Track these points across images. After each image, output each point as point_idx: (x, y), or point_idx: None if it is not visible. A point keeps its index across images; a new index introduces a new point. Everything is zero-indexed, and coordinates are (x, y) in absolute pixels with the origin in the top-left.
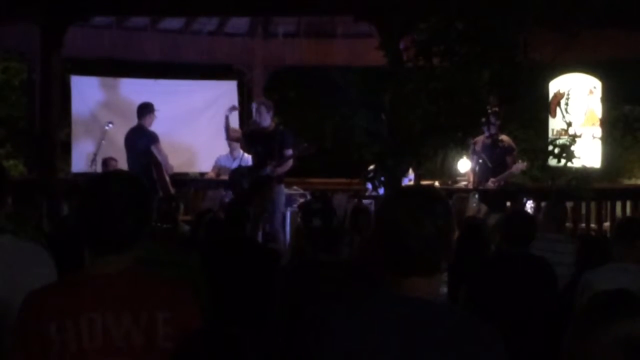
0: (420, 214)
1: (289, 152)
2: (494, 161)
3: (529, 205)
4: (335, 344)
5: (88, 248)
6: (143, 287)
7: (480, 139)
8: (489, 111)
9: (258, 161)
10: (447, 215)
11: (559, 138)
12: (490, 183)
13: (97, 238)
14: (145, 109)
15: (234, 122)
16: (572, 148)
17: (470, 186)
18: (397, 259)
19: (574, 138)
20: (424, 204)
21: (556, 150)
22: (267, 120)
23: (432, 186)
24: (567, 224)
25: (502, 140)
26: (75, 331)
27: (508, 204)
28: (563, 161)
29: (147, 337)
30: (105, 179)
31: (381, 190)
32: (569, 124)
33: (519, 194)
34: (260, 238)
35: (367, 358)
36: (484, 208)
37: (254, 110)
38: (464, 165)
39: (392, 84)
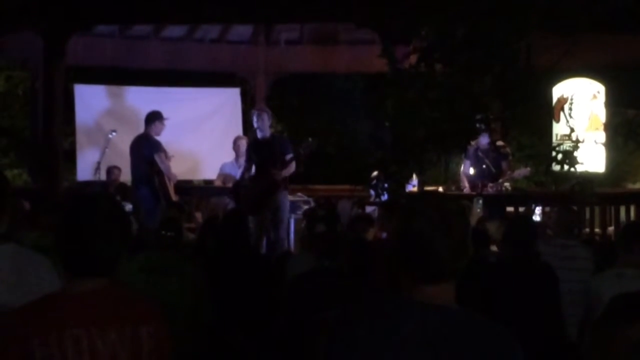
0: (448, 223)
1: (290, 156)
2: (495, 166)
3: (537, 211)
4: (358, 351)
5: (65, 269)
6: (123, 304)
7: (476, 143)
8: (491, 117)
9: (259, 169)
10: (468, 222)
11: (562, 143)
12: (489, 188)
13: (76, 262)
14: (152, 117)
15: (238, 130)
16: (576, 153)
17: (467, 191)
18: (425, 267)
19: (577, 144)
20: (449, 212)
21: (559, 157)
22: (267, 128)
23: (441, 193)
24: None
25: (503, 147)
26: (59, 347)
27: (510, 209)
28: (570, 168)
29: (132, 353)
30: (84, 202)
31: (384, 197)
32: (572, 130)
33: (524, 199)
34: (264, 246)
35: None
36: (479, 213)
37: (255, 117)
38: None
39: (395, 91)
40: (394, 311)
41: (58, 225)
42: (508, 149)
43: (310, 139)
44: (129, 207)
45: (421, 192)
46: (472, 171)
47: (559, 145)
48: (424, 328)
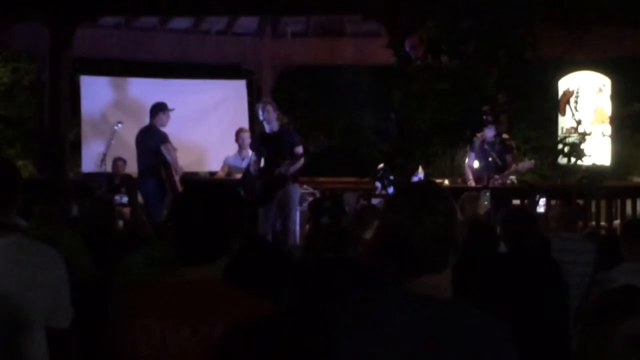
0: (421, 214)
1: (300, 149)
2: (501, 159)
3: (542, 202)
4: (346, 343)
5: (177, 256)
6: (212, 300)
7: (481, 136)
8: (498, 109)
9: (268, 162)
10: (450, 212)
11: (569, 136)
12: (495, 181)
13: (185, 249)
14: (157, 109)
15: (243, 122)
16: (582, 146)
17: (472, 184)
18: (402, 260)
19: (583, 136)
20: (425, 203)
21: (566, 149)
22: (274, 120)
23: (433, 183)
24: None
25: (508, 139)
26: (131, 336)
27: (517, 202)
28: (577, 161)
29: (203, 351)
30: (198, 190)
31: (390, 189)
32: (579, 122)
33: (530, 191)
34: (270, 237)
35: (380, 357)
36: (486, 206)
37: (260, 110)
38: (470, 162)
39: (401, 83)
40: (385, 303)
41: (173, 213)
42: (512, 142)
43: (321, 138)
44: (124, 199)
45: (407, 186)
46: (477, 164)
47: (565, 138)
48: (410, 318)
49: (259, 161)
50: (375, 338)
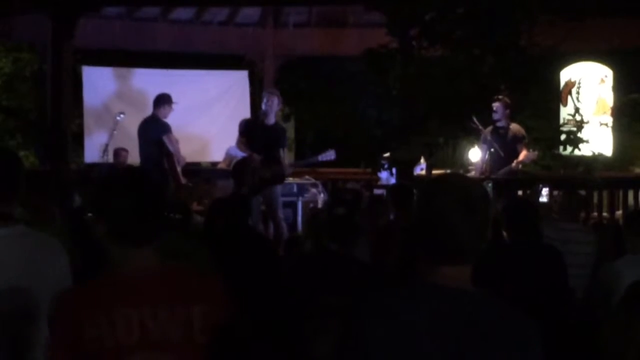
0: (469, 202)
1: (284, 153)
2: (505, 150)
3: (544, 192)
4: (374, 338)
5: (110, 242)
6: (177, 281)
7: (490, 128)
8: (494, 97)
9: (266, 154)
10: (488, 199)
11: (567, 123)
12: (499, 173)
13: (117, 232)
14: (161, 100)
15: (245, 113)
16: (580, 134)
17: (475, 174)
18: (443, 246)
19: (581, 124)
20: (472, 192)
21: (563, 137)
22: (272, 113)
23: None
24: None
25: (511, 129)
26: (109, 326)
27: (519, 192)
28: (574, 149)
29: (183, 332)
30: (117, 174)
31: (382, 174)
32: (577, 109)
33: (533, 183)
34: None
35: (411, 350)
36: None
37: (264, 100)
38: (475, 154)
39: (396, 64)
40: (409, 296)
41: (93, 198)
42: (523, 131)
43: (332, 150)
44: None
45: (444, 175)
46: (480, 155)
47: (562, 125)
48: (439, 312)
49: (240, 141)
50: (403, 334)
